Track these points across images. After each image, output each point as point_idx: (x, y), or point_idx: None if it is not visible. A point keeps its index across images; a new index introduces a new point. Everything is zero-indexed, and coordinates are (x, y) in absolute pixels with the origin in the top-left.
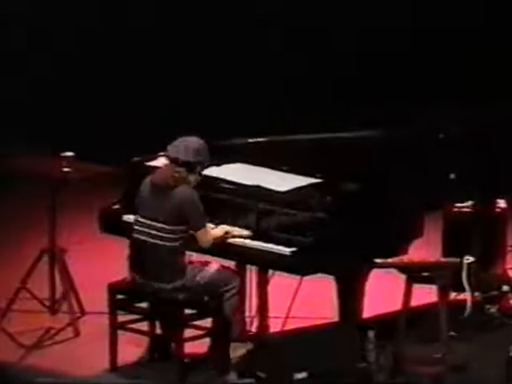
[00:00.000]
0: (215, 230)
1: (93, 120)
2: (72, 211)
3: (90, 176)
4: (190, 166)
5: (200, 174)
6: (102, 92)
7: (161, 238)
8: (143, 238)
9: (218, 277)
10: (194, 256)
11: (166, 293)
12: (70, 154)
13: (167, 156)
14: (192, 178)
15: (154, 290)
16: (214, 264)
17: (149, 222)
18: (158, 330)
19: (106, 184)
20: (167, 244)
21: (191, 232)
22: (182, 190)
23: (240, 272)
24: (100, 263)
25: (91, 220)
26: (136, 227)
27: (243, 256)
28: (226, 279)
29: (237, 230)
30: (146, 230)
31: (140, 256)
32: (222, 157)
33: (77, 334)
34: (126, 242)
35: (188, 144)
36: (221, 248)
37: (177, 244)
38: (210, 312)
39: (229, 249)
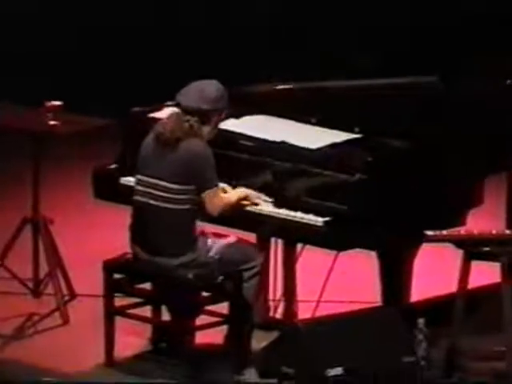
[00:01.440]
0: (229, 195)
1: (85, 64)
2: (60, 173)
3: (81, 130)
4: (205, 116)
5: (216, 126)
6: (97, 34)
7: (166, 200)
8: (146, 199)
9: (236, 252)
10: (206, 227)
11: (173, 270)
12: (57, 103)
13: (176, 104)
14: (206, 130)
15: (158, 268)
16: (232, 237)
17: (152, 180)
18: (164, 317)
19: (101, 140)
20: (173, 207)
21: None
22: (191, 142)
23: (262, 247)
24: (94, 236)
25: (83, 184)
26: (138, 188)
27: (265, 227)
28: (245, 255)
29: (256, 195)
30: (149, 190)
31: (142, 223)
32: (241, 107)
33: (65, 321)
34: (124, 210)
35: (203, 89)
36: (238, 217)
37: (186, 207)
38: (226, 295)
39: (247, 218)
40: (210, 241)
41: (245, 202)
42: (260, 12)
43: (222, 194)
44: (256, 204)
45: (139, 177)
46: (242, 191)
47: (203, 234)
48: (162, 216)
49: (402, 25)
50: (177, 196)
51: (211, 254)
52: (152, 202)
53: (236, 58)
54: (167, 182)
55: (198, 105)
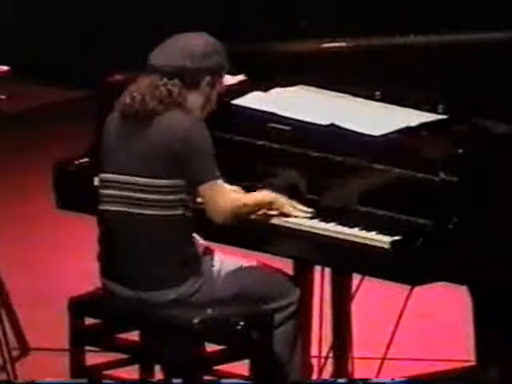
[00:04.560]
0: (245, 195)
1: (45, 19)
2: (6, 169)
3: (36, 107)
4: (190, 78)
5: (210, 96)
6: None
7: (148, 204)
8: (117, 208)
9: (261, 283)
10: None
11: (167, 309)
12: (3, 68)
13: (150, 66)
14: (195, 98)
15: (146, 307)
16: (250, 259)
17: (122, 177)
18: (157, 377)
19: (65, 120)
20: (160, 212)
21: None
22: (173, 115)
23: (301, 278)
24: (54, 261)
25: (39, 185)
26: (105, 192)
27: (306, 249)
28: (276, 289)
29: (289, 203)
30: (121, 192)
31: (115, 242)
32: (270, 75)
33: None
34: None
35: (185, 41)
36: (262, 234)
37: (178, 212)
38: (248, 348)
39: (277, 236)
40: (218, 262)
41: (271, 212)
42: None
43: (232, 193)
44: (287, 215)
45: (104, 176)
46: (266, 194)
47: (207, 252)
48: (146, 227)
49: None
50: (162, 196)
51: (221, 281)
52: (128, 209)
53: None
54: (146, 176)
55: (178, 62)
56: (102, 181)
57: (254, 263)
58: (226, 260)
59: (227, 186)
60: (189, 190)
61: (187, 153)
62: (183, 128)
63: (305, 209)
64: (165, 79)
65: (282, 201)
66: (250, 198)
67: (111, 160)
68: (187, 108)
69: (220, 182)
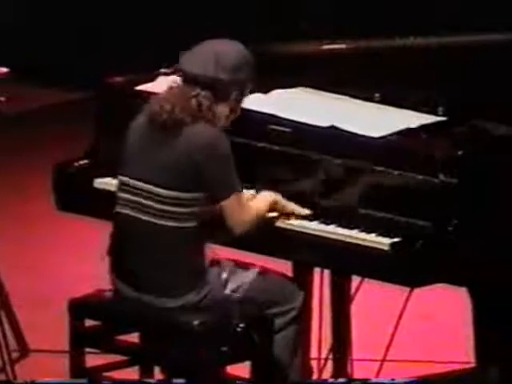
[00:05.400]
0: (257, 203)
1: (45, 20)
2: (6, 169)
3: (35, 108)
4: (221, 90)
5: (235, 109)
6: None
7: (162, 215)
8: (133, 213)
9: (265, 289)
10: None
11: (173, 314)
12: (3, 69)
13: (178, 70)
14: (222, 109)
15: (150, 311)
16: (257, 266)
17: (141, 184)
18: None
19: (65, 122)
20: (174, 224)
21: (214, 206)
22: (198, 128)
23: (300, 280)
24: (53, 262)
25: (38, 187)
26: (121, 195)
27: (306, 251)
28: (279, 293)
29: (290, 204)
30: (137, 199)
31: (128, 246)
32: (271, 77)
33: None
34: (97, 224)
35: (218, 51)
36: (265, 236)
37: (192, 225)
38: (249, 351)
39: (276, 238)
40: (225, 273)
41: (272, 214)
42: None
43: (248, 203)
44: (288, 215)
45: (122, 179)
46: (268, 195)
47: (216, 262)
48: (158, 237)
49: None
50: (178, 209)
51: (227, 291)
52: (142, 216)
53: None
54: (163, 187)
55: (212, 73)
56: (119, 183)
57: (259, 269)
58: (233, 267)
59: (245, 197)
60: (206, 203)
61: (208, 159)
62: (204, 136)
63: (304, 210)
64: (197, 89)
65: (284, 201)
66: (259, 203)
67: (132, 164)
68: (214, 121)
69: (241, 194)
